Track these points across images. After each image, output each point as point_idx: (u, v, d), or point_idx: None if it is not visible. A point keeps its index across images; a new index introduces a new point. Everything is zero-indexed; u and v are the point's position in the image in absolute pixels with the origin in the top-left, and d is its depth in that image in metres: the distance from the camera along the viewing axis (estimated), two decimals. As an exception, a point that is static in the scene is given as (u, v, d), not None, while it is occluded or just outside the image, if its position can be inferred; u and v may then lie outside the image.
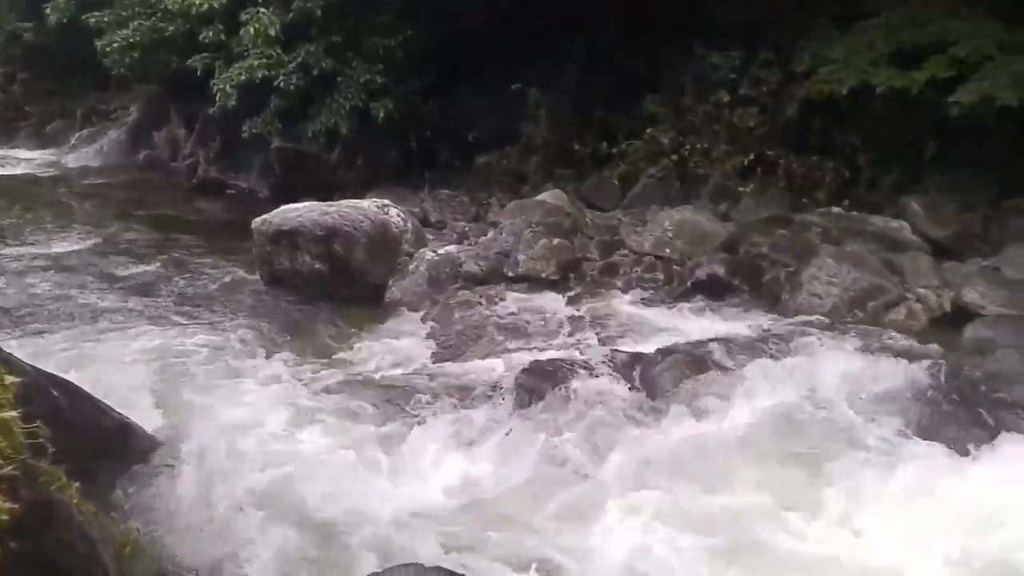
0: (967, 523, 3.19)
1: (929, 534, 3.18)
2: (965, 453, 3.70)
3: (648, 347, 5.01)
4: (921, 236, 6.48)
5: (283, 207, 6.68)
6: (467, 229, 8.04)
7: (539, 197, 7.84)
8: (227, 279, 6.90)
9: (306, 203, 6.73)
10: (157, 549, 3.08)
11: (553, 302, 6.16)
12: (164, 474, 3.59)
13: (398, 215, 7.22)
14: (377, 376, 4.98)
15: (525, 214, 7.25)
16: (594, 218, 7.60)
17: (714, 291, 6.15)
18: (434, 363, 5.17)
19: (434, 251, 7.01)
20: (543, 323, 5.77)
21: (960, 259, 6.26)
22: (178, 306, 6.20)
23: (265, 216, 6.55)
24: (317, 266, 6.38)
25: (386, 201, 7.47)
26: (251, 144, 9.92)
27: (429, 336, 5.69)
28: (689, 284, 6.29)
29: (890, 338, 5.00)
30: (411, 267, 6.74)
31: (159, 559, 3.04)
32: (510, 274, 6.56)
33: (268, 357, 5.20)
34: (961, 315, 5.35)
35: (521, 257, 6.66)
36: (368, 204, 7.12)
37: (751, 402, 4.02)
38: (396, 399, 4.54)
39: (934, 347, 4.82)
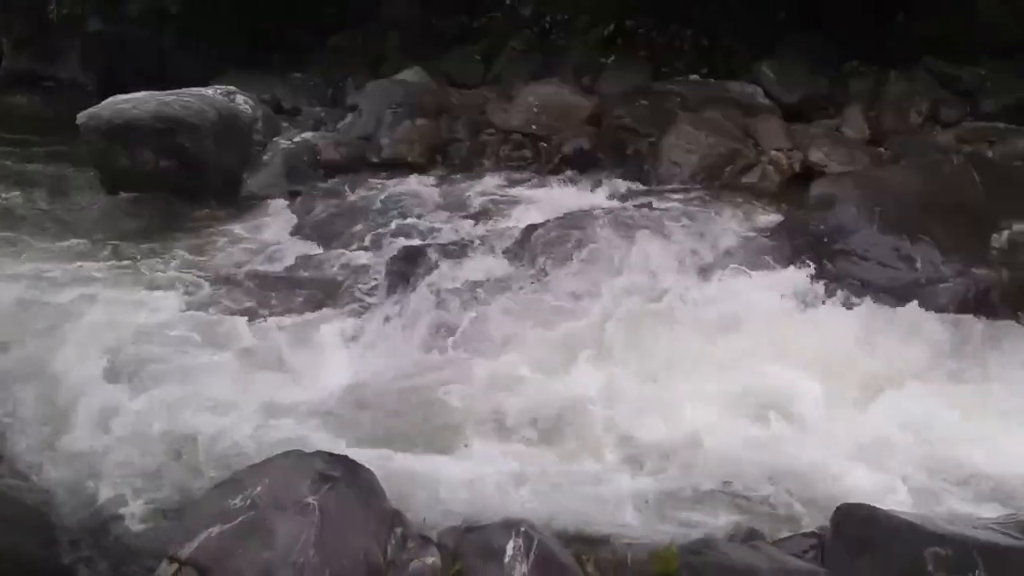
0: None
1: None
2: (814, 300, 4.01)
3: (519, 224, 5.01)
4: (773, 100, 6.73)
5: (113, 98, 6.03)
6: (324, 114, 7.59)
7: (399, 76, 7.48)
8: (57, 184, 6.24)
9: (140, 93, 6.11)
10: (24, 482, 2.86)
11: (421, 186, 6.01)
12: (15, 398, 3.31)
13: (246, 103, 6.68)
14: (241, 272, 4.73)
15: (385, 95, 6.91)
16: (459, 97, 7.34)
17: (581, 165, 6.21)
18: (299, 256, 4.95)
19: (290, 139, 6.61)
20: (412, 208, 5.62)
21: (808, 121, 6.59)
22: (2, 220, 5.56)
23: (92, 110, 5.89)
24: (162, 163, 5.89)
25: (232, 88, 6.87)
26: (65, 29, 8.75)
27: (292, 229, 5.43)
28: (557, 160, 6.31)
29: (745, 199, 5.24)
30: (265, 158, 6.34)
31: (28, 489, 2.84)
32: (374, 160, 6.32)
33: (116, 263, 4.82)
34: (810, 174, 5.66)
35: (384, 141, 6.41)
36: (212, 92, 6.55)
37: (616, 267, 4.15)
38: (263, 293, 4.37)
39: (784, 206, 5.11)
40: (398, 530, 2.52)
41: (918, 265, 4.23)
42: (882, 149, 6.24)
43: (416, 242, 4.90)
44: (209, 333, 3.93)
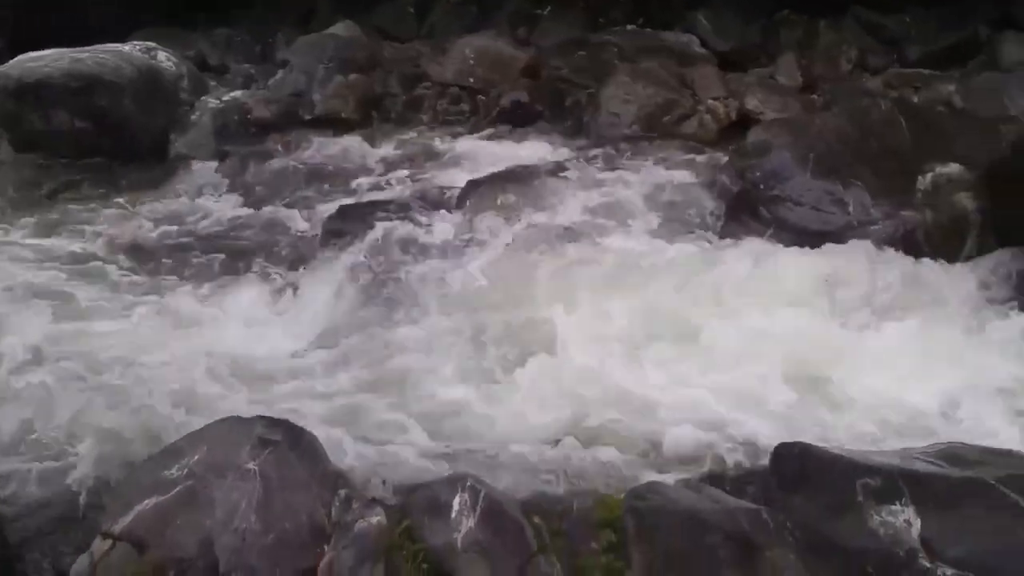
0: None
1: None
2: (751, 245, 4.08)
3: (458, 179, 4.93)
4: (709, 50, 6.72)
5: (22, 56, 5.72)
6: (253, 72, 7.27)
7: (330, 31, 7.20)
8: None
9: (51, 51, 5.79)
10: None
11: (356, 143, 5.84)
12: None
13: (169, 59, 6.38)
14: (173, 235, 4.56)
15: (316, 51, 6.66)
16: (392, 51, 7.13)
17: (520, 118, 6.13)
18: (230, 217, 4.79)
19: (218, 98, 6.33)
20: (348, 166, 5.49)
21: (743, 70, 6.62)
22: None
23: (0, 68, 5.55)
24: (78, 124, 5.61)
25: (152, 44, 6.55)
26: (-34, -17, 8.16)
27: (224, 189, 5.24)
28: (495, 113, 6.21)
29: (684, 148, 5.26)
30: (193, 118, 6.07)
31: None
32: (306, 117, 6.12)
33: (36, 229, 4.58)
34: (746, 122, 5.70)
35: (317, 97, 6.20)
36: (130, 48, 6.26)
37: (554, 220, 4.13)
38: (197, 256, 4.23)
39: (721, 154, 5.15)
40: (342, 491, 2.49)
41: (850, 209, 4.34)
42: (814, 96, 6.33)
43: (351, 200, 4.79)
44: (137, 294, 3.81)
